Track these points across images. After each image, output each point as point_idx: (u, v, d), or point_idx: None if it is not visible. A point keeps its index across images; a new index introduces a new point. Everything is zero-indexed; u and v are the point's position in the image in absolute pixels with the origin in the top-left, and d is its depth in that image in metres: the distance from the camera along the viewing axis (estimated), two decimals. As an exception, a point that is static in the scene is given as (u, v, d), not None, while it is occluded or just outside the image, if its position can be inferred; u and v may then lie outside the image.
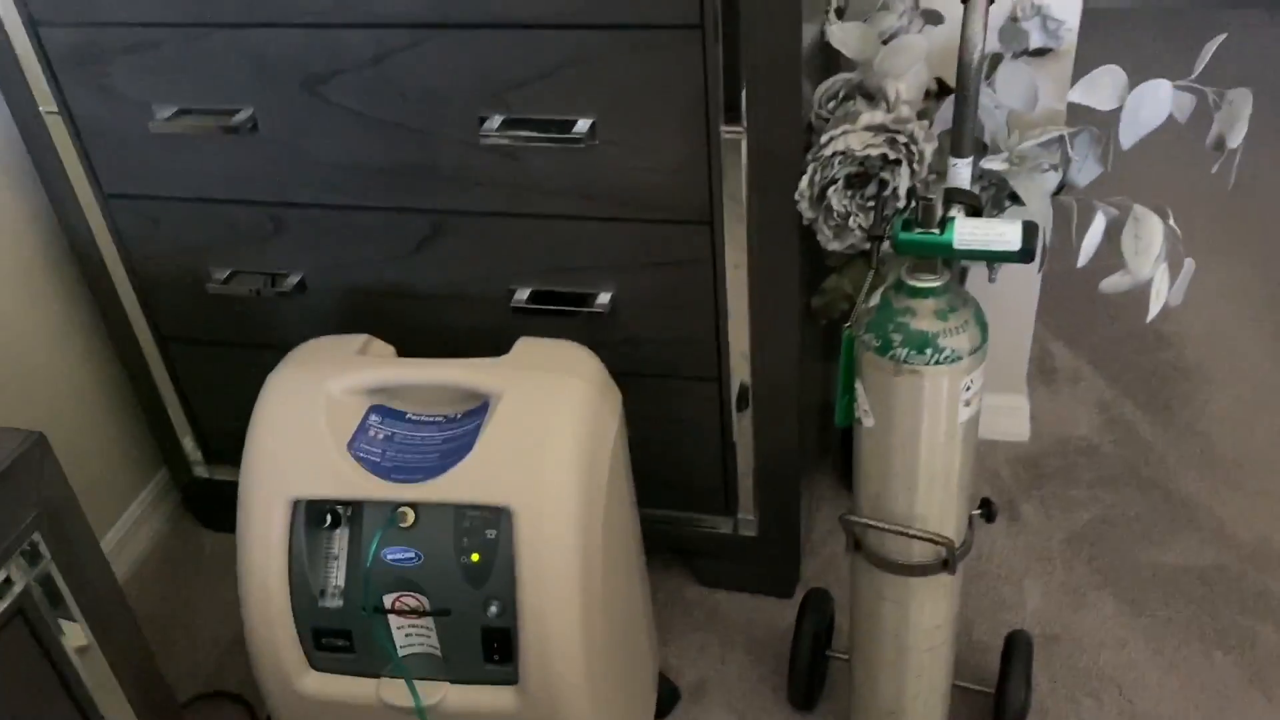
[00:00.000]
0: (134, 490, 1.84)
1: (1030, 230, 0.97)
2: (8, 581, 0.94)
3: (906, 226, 1.00)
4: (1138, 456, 1.90)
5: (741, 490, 1.58)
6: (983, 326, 1.05)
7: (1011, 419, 1.93)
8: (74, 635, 1.08)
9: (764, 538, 1.63)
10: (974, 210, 1.02)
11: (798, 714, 1.53)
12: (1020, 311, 1.83)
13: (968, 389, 1.05)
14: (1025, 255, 0.97)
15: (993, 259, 0.98)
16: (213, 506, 1.85)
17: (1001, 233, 0.97)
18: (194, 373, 1.69)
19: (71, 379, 1.70)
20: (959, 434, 1.08)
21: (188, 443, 1.79)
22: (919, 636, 1.23)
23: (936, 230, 0.99)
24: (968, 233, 0.98)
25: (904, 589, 1.19)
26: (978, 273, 1.78)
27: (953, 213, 1.00)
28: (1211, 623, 1.61)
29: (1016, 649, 1.41)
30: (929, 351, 1.02)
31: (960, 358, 1.03)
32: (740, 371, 1.46)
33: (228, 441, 1.76)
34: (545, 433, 1.14)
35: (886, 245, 1.04)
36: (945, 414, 1.06)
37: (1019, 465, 1.89)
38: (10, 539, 0.92)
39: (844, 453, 1.86)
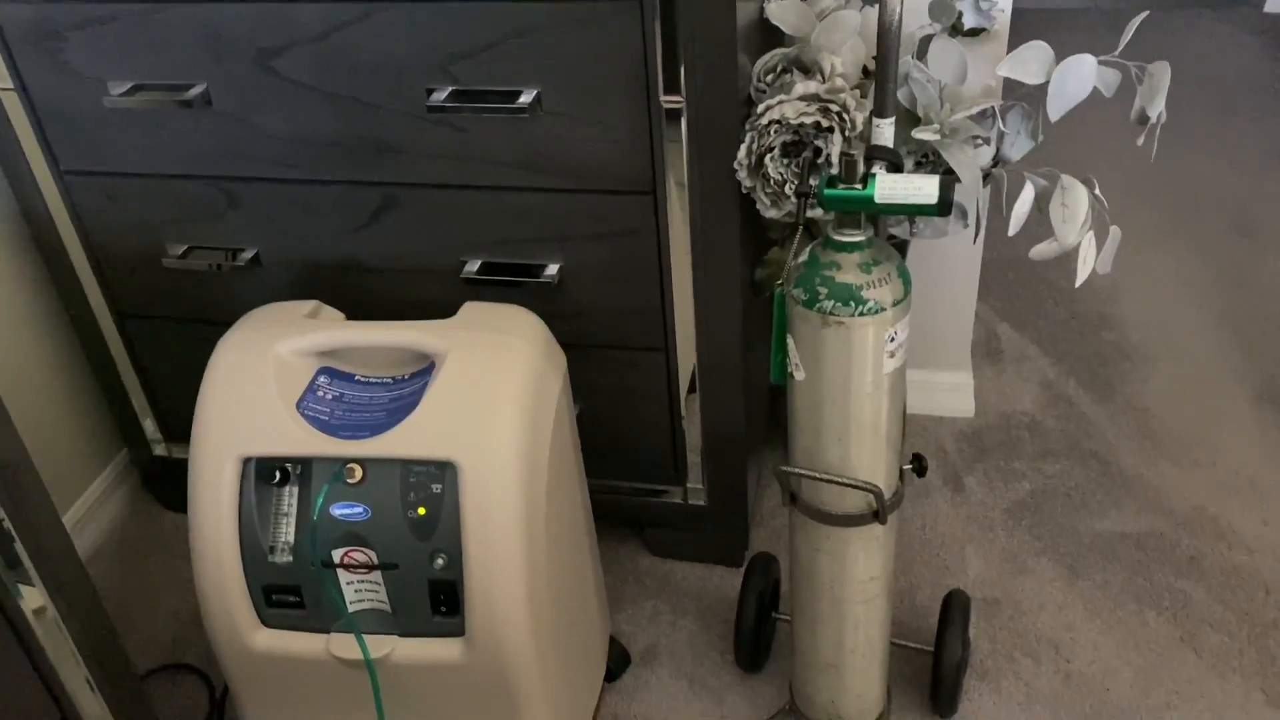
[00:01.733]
0: (94, 471, 1.86)
1: (947, 185, 1.02)
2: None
3: (831, 183, 1.05)
4: (1078, 431, 1.95)
5: (690, 461, 1.62)
6: (905, 280, 1.10)
7: (956, 396, 1.99)
8: (31, 598, 1.10)
9: (713, 508, 1.67)
10: (895, 167, 1.07)
11: (745, 676, 1.57)
12: (963, 290, 1.89)
13: (892, 339, 1.10)
14: (943, 208, 1.02)
15: (912, 212, 1.03)
16: (173, 486, 1.87)
17: (919, 187, 1.02)
18: (152, 350, 1.71)
19: (29, 358, 1.72)
20: (885, 384, 1.12)
21: (149, 424, 1.81)
22: (854, 588, 1.27)
23: (859, 186, 1.04)
24: (888, 188, 1.03)
25: (838, 540, 1.24)
26: (923, 250, 1.84)
27: (875, 169, 1.05)
28: (1146, 586, 1.66)
29: (954, 607, 1.45)
30: (853, 304, 1.07)
31: (883, 309, 1.07)
32: (686, 342, 1.50)
33: (187, 420, 1.78)
34: (490, 390, 1.17)
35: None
36: (871, 364, 1.10)
37: (963, 440, 1.94)
38: (-40, 485, 0.94)
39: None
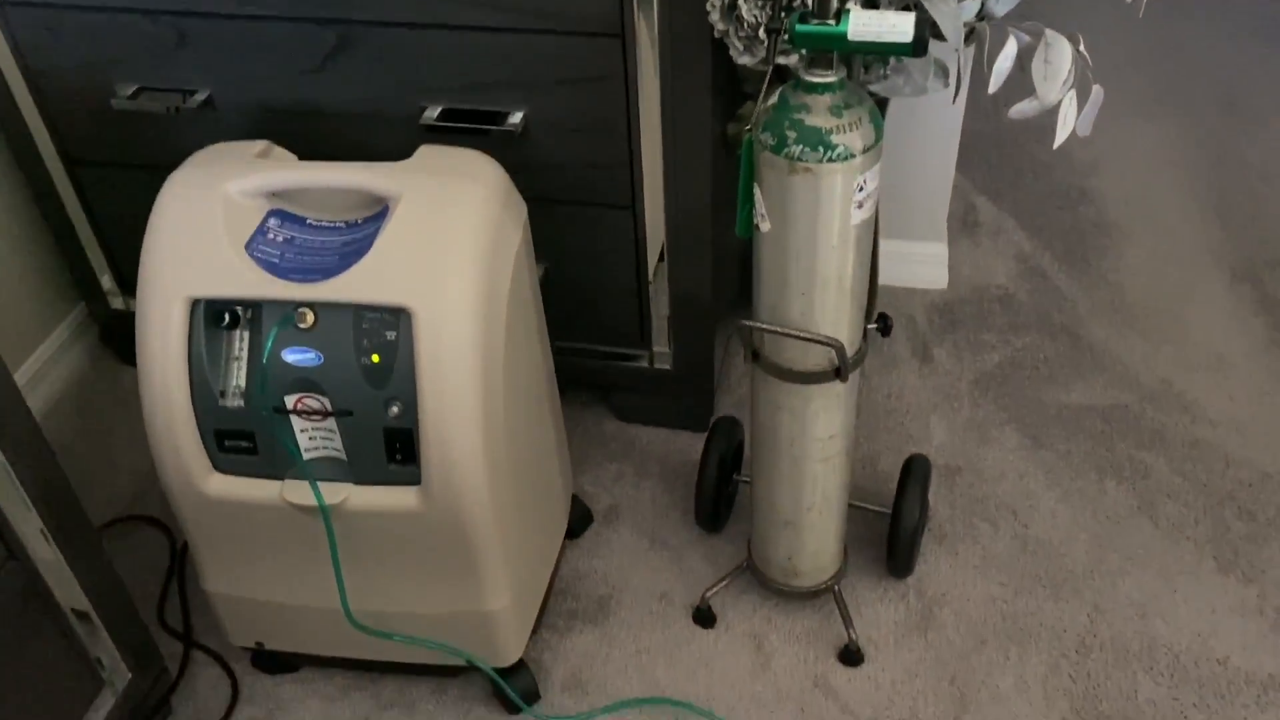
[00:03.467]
0: (49, 325, 1.82)
1: (922, 23, 0.97)
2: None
3: (804, 19, 1.00)
4: (1051, 304, 1.94)
5: (656, 324, 1.60)
6: (877, 126, 1.06)
7: (930, 267, 1.96)
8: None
9: (679, 373, 1.65)
10: (871, 4, 1.01)
11: (704, 536, 1.58)
12: (941, 159, 1.84)
13: (860, 189, 1.06)
14: (918, 47, 0.97)
15: (885, 51, 0.99)
16: (132, 340, 1.83)
17: (894, 24, 0.97)
18: (106, 199, 1.66)
19: (-23, 205, 1.66)
20: (852, 236, 1.09)
21: (105, 279, 1.77)
22: (814, 446, 1.27)
23: (832, 22, 0.99)
24: (862, 24, 0.98)
25: (799, 397, 1.22)
26: (902, 115, 1.79)
27: (849, 5, 1.00)
28: (1108, 456, 1.67)
29: (914, 470, 1.46)
30: (822, 149, 1.03)
31: (853, 155, 1.04)
32: (655, 203, 1.46)
33: (143, 273, 1.74)
34: (445, 235, 1.14)
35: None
36: (839, 214, 1.07)
37: (934, 311, 1.93)
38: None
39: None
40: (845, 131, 1.03)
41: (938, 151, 1.83)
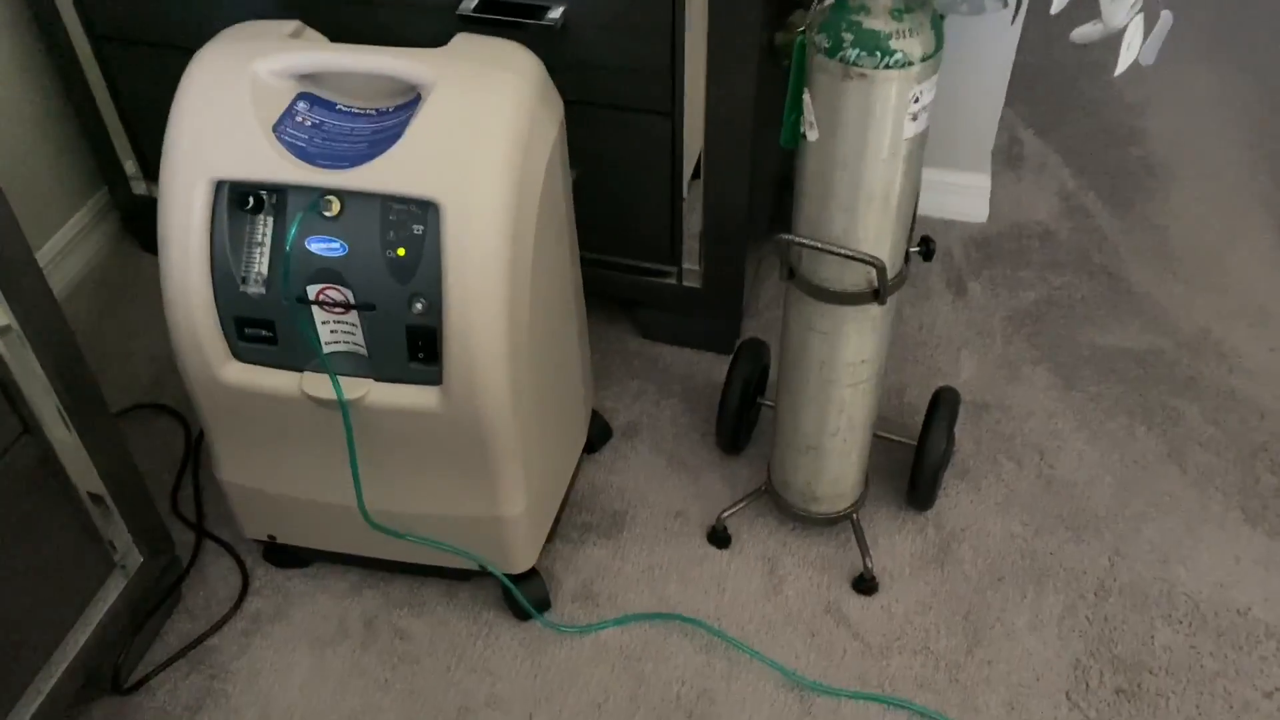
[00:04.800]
0: (71, 207, 1.79)
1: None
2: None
3: (868, -85, 0.94)
4: (1091, 244, 1.88)
5: (688, 240, 1.56)
6: (938, 34, 1.01)
7: (970, 199, 1.91)
8: (-2, 312, 1.06)
9: (707, 291, 1.61)
10: (941, -98, 0.96)
11: (723, 457, 1.56)
12: (991, 87, 1.78)
13: (916, 100, 1.01)
14: (987, -49, 0.92)
15: (953, -47, 0.93)
16: (154, 228, 1.80)
17: (966, -77, 0.92)
18: (131, 79, 1.62)
19: (4, 92, 1.62)
20: (903, 151, 1.05)
21: (129, 163, 1.73)
22: (844, 371, 1.24)
23: (899, -82, 0.93)
24: (931, -78, 0.92)
25: (833, 319, 1.19)
26: (953, 42, 1.72)
27: (918, -99, 0.94)
28: (1140, 401, 1.63)
29: (942, 403, 1.43)
30: (879, 54, 0.98)
31: (911, 63, 0.99)
32: (694, 114, 1.41)
33: (166, 159, 1.70)
34: (478, 127, 1.09)
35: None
36: (891, 126, 1.02)
37: (972, 245, 1.88)
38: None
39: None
40: (905, 37, 0.98)
41: (988, 79, 1.76)
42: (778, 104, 1.56)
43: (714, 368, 1.68)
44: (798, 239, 1.13)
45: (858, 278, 1.14)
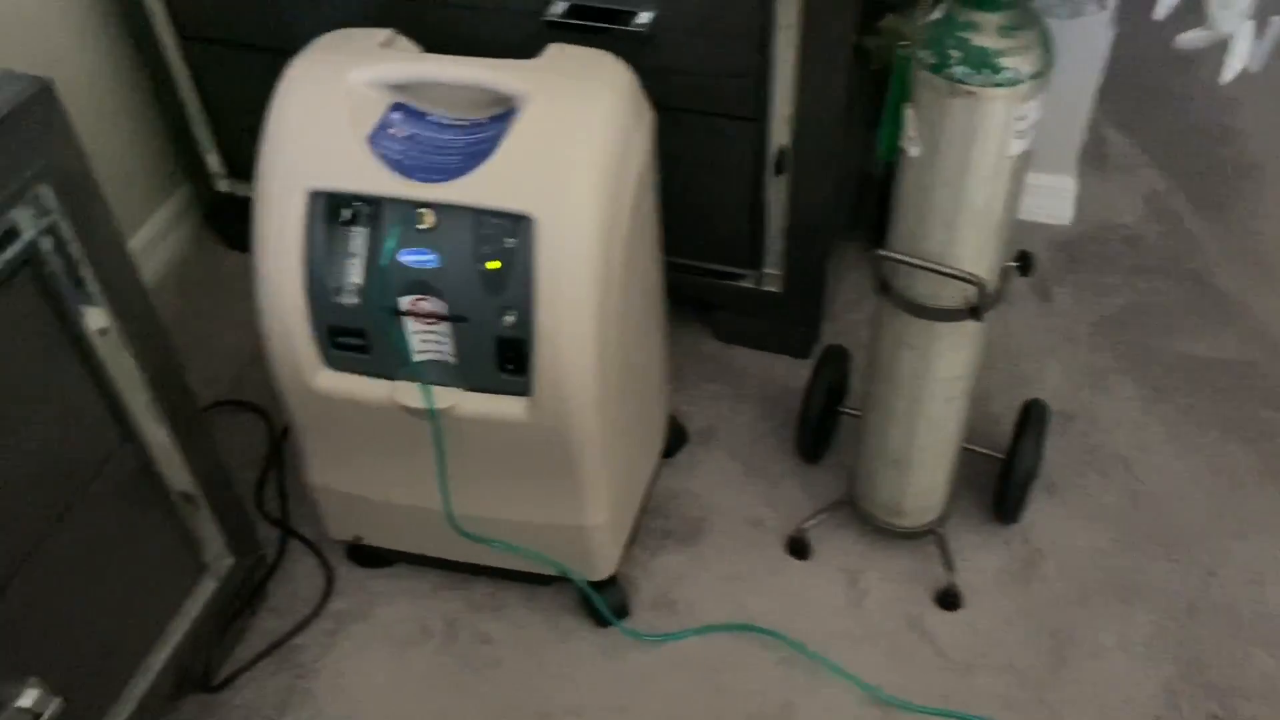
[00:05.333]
0: (154, 204, 1.82)
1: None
2: (13, 232, 0.92)
3: (980, -72, 0.92)
4: (1181, 249, 1.83)
5: (769, 243, 1.54)
6: (1048, 51, 0.98)
7: (1055, 200, 1.86)
8: (94, 319, 1.08)
9: (787, 296, 1.60)
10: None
11: (801, 465, 1.54)
12: (1081, 86, 1.73)
13: (1023, 119, 0.99)
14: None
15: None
16: (236, 224, 1.82)
17: (1085, -62, 0.89)
18: (217, 79, 1.63)
19: (89, 81, 1.65)
20: (1007, 167, 1.02)
21: (212, 159, 1.75)
22: (936, 386, 1.22)
23: (1013, -68, 0.90)
24: (1047, -64, 0.90)
25: (927, 335, 1.17)
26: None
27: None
28: (1232, 414, 1.59)
29: (1033, 415, 1.40)
30: (987, 71, 0.95)
31: (1020, 81, 0.96)
32: (782, 113, 1.39)
33: (251, 157, 1.71)
34: (572, 142, 1.09)
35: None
36: (996, 144, 1.00)
37: (1056, 248, 1.84)
38: (14, 187, 0.89)
39: (879, 220, 1.81)
40: (1015, 54, 0.95)
41: (1079, 77, 1.71)
42: (863, 106, 1.53)
43: (790, 372, 1.66)
44: (894, 255, 1.11)
45: (954, 294, 1.12)
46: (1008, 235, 1.11)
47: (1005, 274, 1.16)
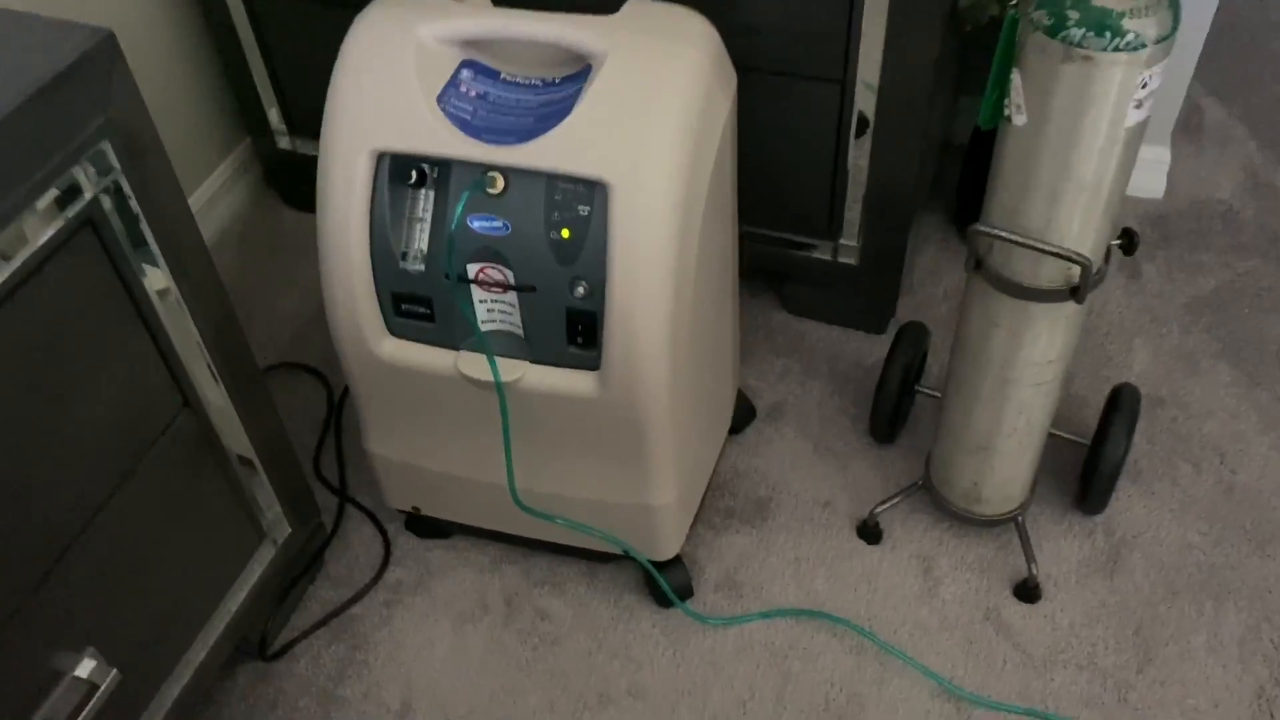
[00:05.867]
0: (214, 160, 1.79)
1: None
2: (75, 190, 0.88)
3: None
4: (1281, 226, 1.74)
5: (848, 212, 1.47)
6: (1175, 14, 0.90)
7: (1147, 173, 1.77)
8: (155, 279, 1.05)
9: (864, 268, 1.53)
10: None
11: (874, 446, 1.48)
12: (1182, 49, 1.62)
13: (1143, 86, 0.91)
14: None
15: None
16: (296, 181, 1.79)
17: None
18: (280, 32, 1.59)
19: (149, 35, 1.61)
20: (1121, 140, 0.95)
21: (273, 114, 1.72)
22: (1028, 370, 1.15)
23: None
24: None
25: (1021, 316, 1.10)
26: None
27: None
28: (1333, 404, 1.50)
29: (1123, 401, 1.33)
30: (1108, 34, 0.88)
31: (1143, 45, 0.88)
32: (867, 76, 1.31)
33: (313, 114, 1.67)
34: (651, 104, 1.03)
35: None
36: (1111, 113, 0.92)
37: (1147, 223, 1.75)
38: (76, 143, 0.85)
39: (960, 192, 1.73)
40: (1140, 16, 0.88)
41: (1180, 40, 1.61)
42: (949, 70, 1.45)
43: (863, 348, 1.60)
44: (993, 230, 1.04)
45: (1055, 274, 1.05)
46: (1115, 213, 1.03)
47: (1108, 253, 1.09)
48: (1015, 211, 1.02)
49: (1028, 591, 1.31)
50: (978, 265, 1.10)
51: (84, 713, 0.98)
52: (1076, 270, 1.02)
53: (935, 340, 1.51)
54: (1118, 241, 1.10)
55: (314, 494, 1.36)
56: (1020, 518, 1.33)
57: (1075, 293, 1.05)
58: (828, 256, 1.54)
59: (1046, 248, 1.01)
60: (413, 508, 1.36)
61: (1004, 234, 1.03)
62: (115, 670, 1.00)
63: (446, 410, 1.20)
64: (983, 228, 1.04)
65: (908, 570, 1.36)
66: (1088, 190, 0.98)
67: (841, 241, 1.51)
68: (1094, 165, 0.96)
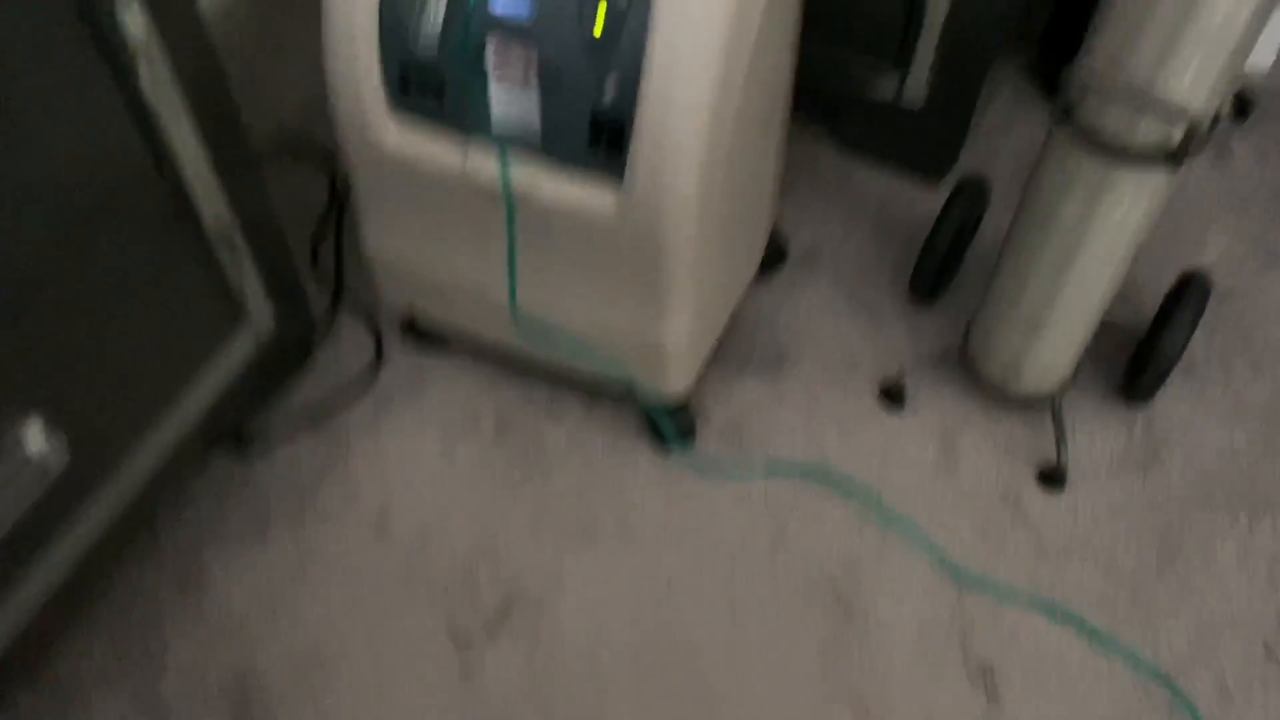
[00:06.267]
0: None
1: None
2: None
3: None
4: (1397, 117, 1.56)
5: (924, 39, 1.31)
6: None
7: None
8: (132, 23, 0.92)
9: (933, 106, 1.38)
10: None
11: (911, 306, 1.37)
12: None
13: (1312, -89, 0.75)
14: None
15: None
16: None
17: None
18: None
19: None
20: (1270, -22, 0.80)
21: None
22: (1099, 243, 1.02)
23: None
24: None
25: (1104, 179, 0.97)
26: None
27: None
28: None
29: (1190, 290, 1.20)
30: None
31: None
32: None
33: None
34: (717, -125, 0.87)
35: None
36: (1266, -58, 0.77)
37: (1247, 96, 1.57)
38: None
39: (1045, 40, 1.55)
40: None
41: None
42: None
43: (915, 197, 1.47)
44: (1093, 74, 0.90)
45: (1153, 132, 0.91)
46: (1239, 69, 0.88)
47: (1215, 119, 0.95)
48: (1120, 56, 0.88)
49: (1053, 478, 1.23)
50: (1065, 115, 0.96)
51: (28, 480, 0.92)
52: (1183, 129, 0.89)
53: (995, 200, 1.38)
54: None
55: (306, 290, 1.27)
56: (1058, 400, 1.23)
57: (1174, 157, 0.92)
58: (894, 86, 1.38)
59: (1158, 99, 0.87)
60: (409, 307, 1.27)
61: (1106, 80, 0.89)
62: (62, 437, 0.93)
63: (451, 212, 1.09)
64: (1086, 68, 0.90)
65: (928, 441, 1.27)
66: (1214, 34, 0.84)
67: (912, 71, 1.35)
68: (1226, 6, 0.81)
